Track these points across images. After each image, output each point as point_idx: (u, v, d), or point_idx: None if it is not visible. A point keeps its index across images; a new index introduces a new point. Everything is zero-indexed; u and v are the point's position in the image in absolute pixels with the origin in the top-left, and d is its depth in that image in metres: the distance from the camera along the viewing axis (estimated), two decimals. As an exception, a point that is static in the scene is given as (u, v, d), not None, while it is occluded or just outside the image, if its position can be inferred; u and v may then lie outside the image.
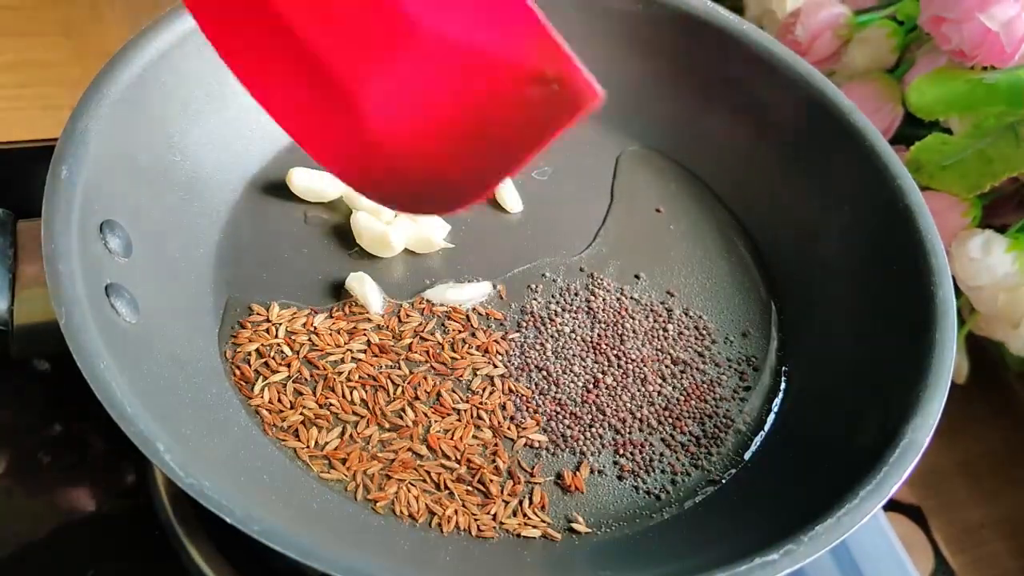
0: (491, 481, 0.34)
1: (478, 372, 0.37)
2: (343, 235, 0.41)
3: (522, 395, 0.37)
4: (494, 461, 0.35)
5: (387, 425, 0.35)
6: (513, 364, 0.38)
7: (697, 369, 0.40)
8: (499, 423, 0.36)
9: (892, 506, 0.51)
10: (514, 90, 0.25)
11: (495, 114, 0.26)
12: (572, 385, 0.38)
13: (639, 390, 0.38)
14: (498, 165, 0.27)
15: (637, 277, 0.43)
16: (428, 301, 0.39)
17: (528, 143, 0.26)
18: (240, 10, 0.26)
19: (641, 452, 0.36)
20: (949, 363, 0.34)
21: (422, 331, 0.38)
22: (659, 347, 0.40)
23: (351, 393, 0.36)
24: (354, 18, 0.25)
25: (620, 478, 0.36)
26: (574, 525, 0.34)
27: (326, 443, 0.34)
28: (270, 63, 0.27)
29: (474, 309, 0.39)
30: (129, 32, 0.38)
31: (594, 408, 0.37)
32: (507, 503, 0.34)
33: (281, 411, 0.35)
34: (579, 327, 0.40)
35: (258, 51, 0.27)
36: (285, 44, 0.26)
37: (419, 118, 0.26)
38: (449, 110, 0.26)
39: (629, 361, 0.39)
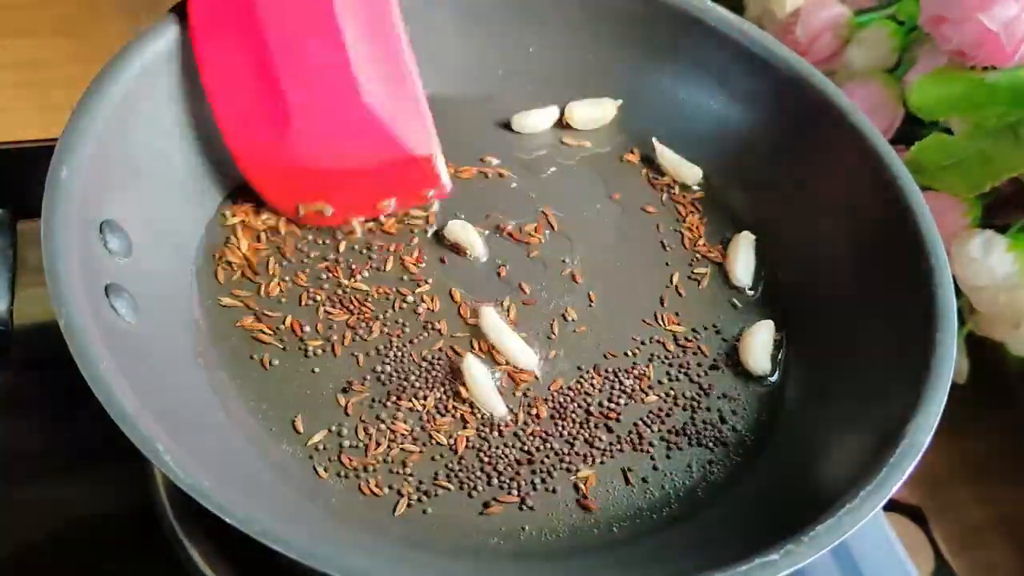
0: (489, 476, 0.34)
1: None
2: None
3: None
4: (489, 459, 0.35)
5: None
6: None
7: (695, 369, 0.40)
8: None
9: (892, 506, 0.51)
10: (397, 171, 0.40)
11: (377, 178, 0.40)
12: (570, 383, 0.38)
13: (637, 391, 0.38)
14: (360, 210, 0.41)
15: (633, 278, 0.43)
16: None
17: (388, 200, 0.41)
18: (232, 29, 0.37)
19: (639, 453, 0.36)
20: (950, 363, 0.34)
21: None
22: (657, 347, 0.40)
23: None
24: (320, 74, 0.37)
25: (619, 478, 0.36)
26: (574, 518, 0.34)
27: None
28: (238, 70, 0.37)
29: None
30: (129, 32, 0.38)
31: (593, 409, 0.37)
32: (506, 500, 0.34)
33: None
34: (576, 326, 0.40)
35: (232, 62, 0.37)
36: (260, 64, 0.37)
37: (327, 155, 0.38)
38: (351, 161, 0.39)
39: (628, 361, 0.39)
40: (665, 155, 0.47)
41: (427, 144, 0.40)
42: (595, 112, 0.48)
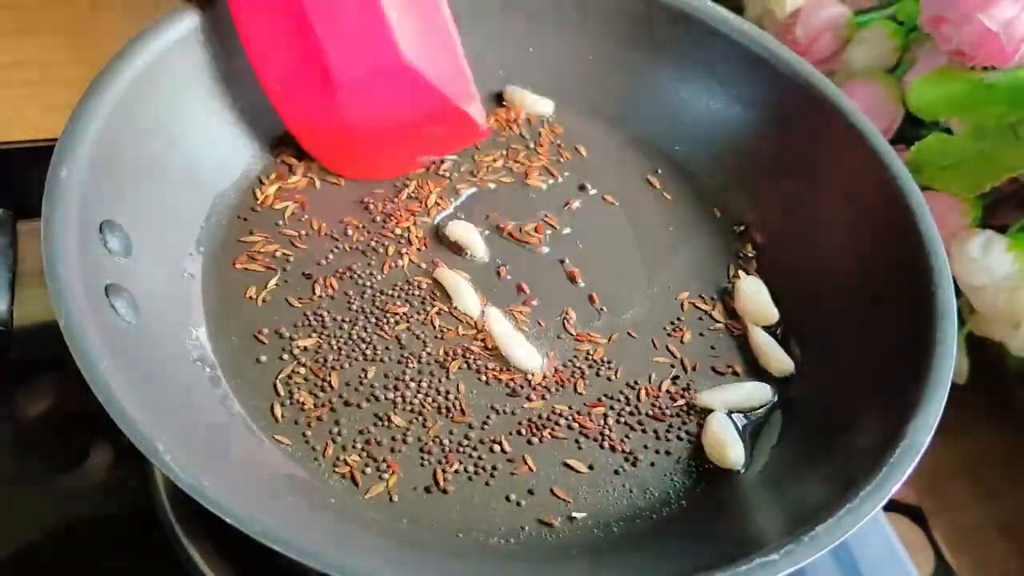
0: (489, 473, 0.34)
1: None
2: (343, 235, 0.41)
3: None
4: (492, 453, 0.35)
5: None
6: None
7: (695, 369, 0.40)
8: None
9: (892, 506, 0.51)
10: (440, 121, 0.42)
11: (421, 130, 0.42)
12: (570, 383, 0.38)
13: (637, 391, 0.38)
14: (405, 164, 0.44)
15: (634, 278, 0.43)
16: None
17: (434, 152, 0.44)
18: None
19: (640, 453, 0.36)
20: (949, 363, 0.34)
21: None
22: (657, 347, 0.40)
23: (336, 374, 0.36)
24: (358, 35, 0.38)
25: (620, 478, 0.36)
26: (575, 518, 0.34)
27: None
28: (278, 35, 0.38)
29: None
30: (129, 32, 0.38)
31: (593, 409, 0.37)
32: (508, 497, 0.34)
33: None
34: (576, 326, 0.40)
35: (272, 27, 0.38)
36: (299, 29, 0.37)
37: (373, 114, 0.40)
38: (396, 117, 0.40)
39: (628, 361, 0.39)
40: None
41: (468, 93, 0.42)
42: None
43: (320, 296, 0.39)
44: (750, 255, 0.45)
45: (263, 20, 0.37)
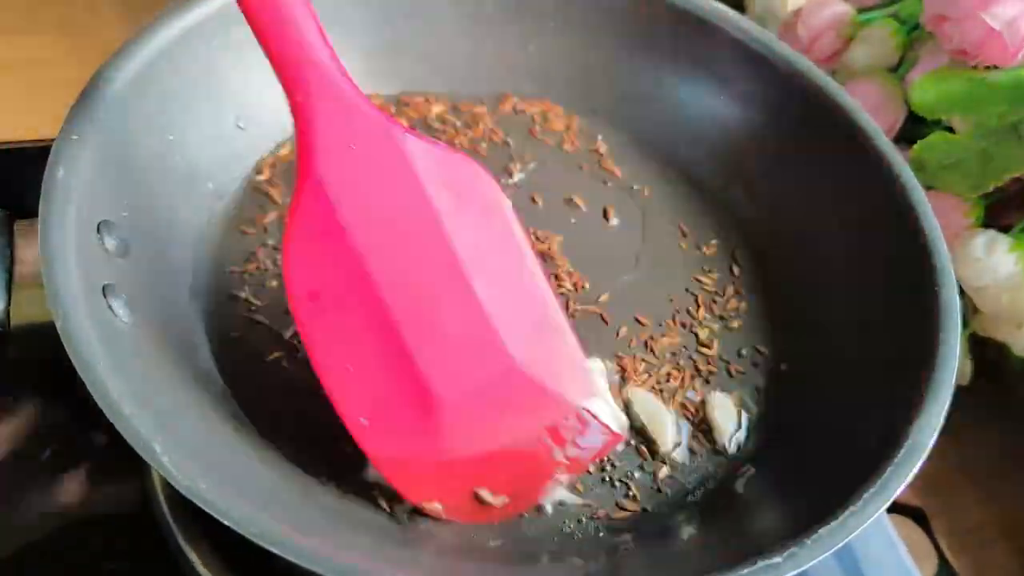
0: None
1: None
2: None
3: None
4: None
5: None
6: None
7: (696, 370, 0.39)
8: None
9: (895, 508, 0.50)
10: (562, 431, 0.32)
11: (527, 459, 0.33)
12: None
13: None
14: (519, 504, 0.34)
15: (634, 279, 0.43)
16: None
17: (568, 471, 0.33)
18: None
19: (640, 455, 0.36)
20: (953, 364, 0.34)
21: None
22: (656, 349, 0.40)
23: None
24: (462, 344, 0.31)
25: (620, 480, 0.35)
26: (576, 519, 0.34)
27: None
28: (364, 361, 0.31)
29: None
30: (128, 31, 0.38)
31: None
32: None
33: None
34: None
35: (355, 353, 0.31)
36: (389, 349, 0.31)
37: (482, 435, 0.32)
38: (507, 435, 0.32)
39: (628, 362, 0.39)
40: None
41: (589, 389, 0.33)
42: None
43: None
44: (750, 254, 0.44)
45: (344, 346, 0.31)
